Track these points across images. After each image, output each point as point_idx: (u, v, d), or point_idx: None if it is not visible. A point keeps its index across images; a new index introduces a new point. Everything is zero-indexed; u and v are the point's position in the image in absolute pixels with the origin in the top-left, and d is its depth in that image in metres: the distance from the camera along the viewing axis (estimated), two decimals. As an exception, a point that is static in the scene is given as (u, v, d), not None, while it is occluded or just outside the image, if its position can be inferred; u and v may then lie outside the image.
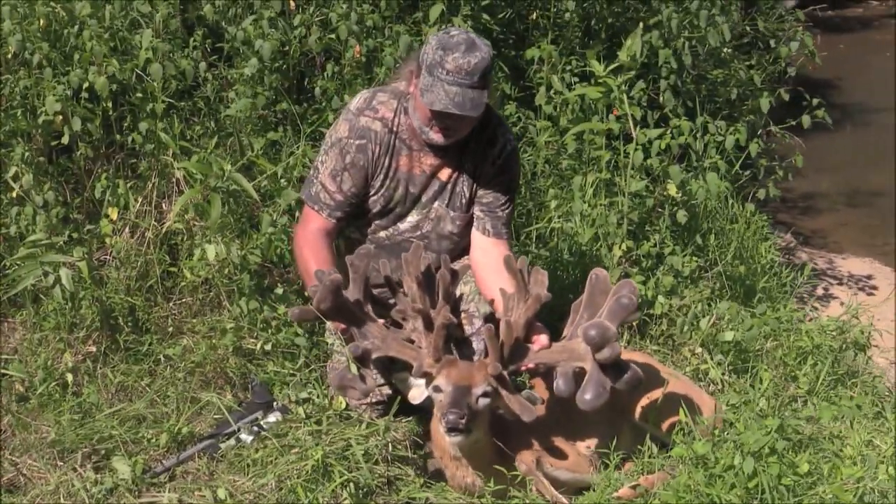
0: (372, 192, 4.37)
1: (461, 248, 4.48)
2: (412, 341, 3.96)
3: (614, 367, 3.68)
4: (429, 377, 3.83)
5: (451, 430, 3.65)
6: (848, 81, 11.58)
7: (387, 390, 4.35)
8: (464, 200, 4.41)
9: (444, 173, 4.38)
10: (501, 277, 4.04)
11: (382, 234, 4.44)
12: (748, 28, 7.29)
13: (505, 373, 3.77)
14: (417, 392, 3.91)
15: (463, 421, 3.62)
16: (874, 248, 7.76)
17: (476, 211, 4.43)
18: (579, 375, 3.73)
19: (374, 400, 4.38)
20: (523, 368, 3.92)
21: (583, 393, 3.66)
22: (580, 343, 3.72)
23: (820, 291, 6.79)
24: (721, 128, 5.75)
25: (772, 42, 6.89)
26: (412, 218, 4.44)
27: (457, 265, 4.35)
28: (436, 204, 4.41)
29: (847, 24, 14.74)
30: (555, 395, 3.82)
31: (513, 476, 3.89)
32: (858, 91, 11.43)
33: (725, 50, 6.89)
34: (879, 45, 14.43)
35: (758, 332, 4.91)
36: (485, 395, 3.73)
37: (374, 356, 3.97)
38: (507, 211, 4.44)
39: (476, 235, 4.45)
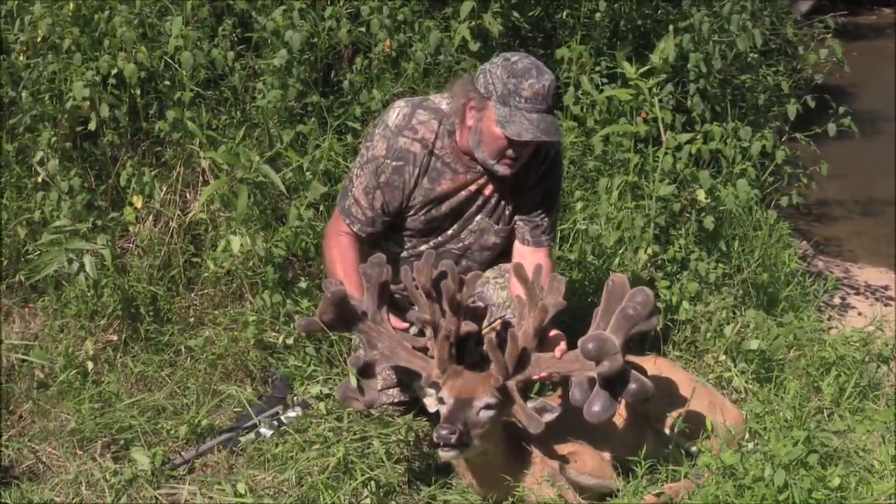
0: (411, 212, 4.30)
1: (499, 252, 4.45)
2: (426, 349, 3.94)
3: (619, 380, 3.61)
4: (437, 387, 3.80)
5: (443, 445, 3.60)
6: (859, 88, 11.54)
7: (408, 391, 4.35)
8: (507, 212, 4.35)
9: (488, 189, 4.30)
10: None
11: (423, 247, 4.34)
12: (769, 34, 7.23)
13: (511, 383, 3.73)
14: (430, 401, 3.88)
15: (454, 437, 3.57)
16: (889, 258, 7.71)
17: (516, 219, 4.37)
18: (594, 384, 3.69)
19: (396, 400, 4.37)
20: (535, 377, 3.89)
21: (590, 406, 3.61)
22: (588, 353, 3.69)
23: (837, 301, 6.75)
24: (747, 133, 5.72)
25: (800, 48, 6.85)
26: (453, 231, 4.37)
27: (490, 272, 4.38)
28: (478, 217, 4.35)
29: (860, 31, 14.66)
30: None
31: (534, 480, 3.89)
32: (869, 99, 11.38)
33: (752, 55, 6.84)
34: (892, 53, 14.40)
35: (783, 342, 4.88)
36: (487, 406, 3.68)
37: (379, 367, 3.95)
38: (546, 218, 4.36)
39: (516, 244, 4.39)
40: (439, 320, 3.83)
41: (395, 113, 4.25)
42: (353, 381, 3.88)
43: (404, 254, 4.37)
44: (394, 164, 4.21)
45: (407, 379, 4.21)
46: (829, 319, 6.24)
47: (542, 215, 4.36)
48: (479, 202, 4.32)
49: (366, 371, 3.90)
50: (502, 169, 4.11)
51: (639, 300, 3.66)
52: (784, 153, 5.76)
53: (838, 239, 8.07)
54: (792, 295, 5.78)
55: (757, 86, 6.87)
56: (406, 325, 4.08)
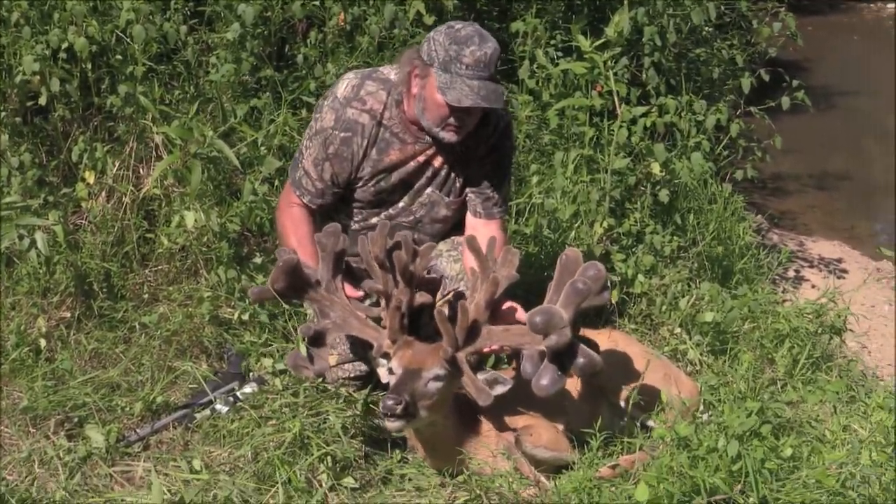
0: (360, 183, 4.29)
1: (452, 225, 4.44)
2: (380, 320, 3.92)
3: (567, 354, 3.60)
4: (388, 357, 3.81)
5: (388, 415, 3.62)
6: (814, 63, 11.64)
7: (364, 366, 4.33)
8: (458, 185, 4.35)
9: (438, 160, 4.30)
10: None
11: (374, 220, 4.33)
12: (724, 8, 7.26)
13: (461, 355, 3.73)
14: (383, 371, 3.89)
15: (399, 407, 3.58)
16: (843, 232, 7.83)
17: (468, 191, 4.37)
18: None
19: (352, 374, 4.36)
20: (486, 350, 3.88)
21: (538, 379, 3.61)
22: (538, 326, 3.69)
23: (791, 274, 6.81)
24: (702, 107, 5.74)
25: (754, 22, 6.89)
26: (403, 203, 4.36)
27: (443, 245, 4.38)
28: (429, 190, 4.34)
29: (815, 7, 14.77)
30: None
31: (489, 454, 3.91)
32: (823, 73, 11.51)
33: (707, 29, 6.87)
34: (846, 27, 14.53)
35: (737, 314, 4.91)
36: (436, 378, 3.69)
37: (330, 336, 3.95)
38: (497, 191, 4.35)
39: (468, 217, 4.39)
40: (392, 290, 3.83)
41: (344, 84, 4.25)
42: (303, 350, 3.90)
43: (355, 226, 4.35)
44: (342, 135, 4.20)
45: (361, 350, 4.21)
46: (783, 292, 6.31)
47: (494, 187, 4.35)
48: (428, 174, 4.32)
49: (316, 340, 3.91)
50: (447, 136, 4.10)
51: (590, 274, 3.65)
52: (739, 126, 5.80)
53: (793, 212, 8.16)
54: (746, 268, 5.83)
55: (712, 59, 6.91)
56: (362, 293, 4.07)
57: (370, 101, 4.20)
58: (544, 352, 3.63)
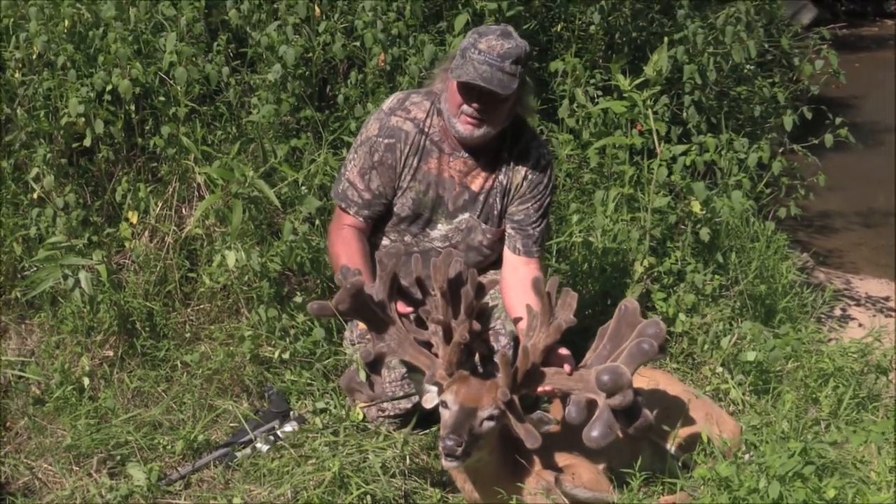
0: (399, 193, 4.35)
1: (490, 262, 4.44)
2: (430, 345, 3.90)
3: (626, 412, 3.61)
4: (440, 387, 3.79)
5: (447, 455, 3.59)
6: (861, 100, 11.55)
7: (404, 404, 4.33)
8: (495, 213, 4.38)
9: (476, 184, 4.35)
10: (528, 297, 3.99)
11: (408, 238, 4.40)
12: (766, 45, 7.25)
13: (515, 398, 3.71)
14: (430, 397, 3.86)
15: (460, 449, 3.55)
16: (890, 269, 7.71)
17: (508, 228, 4.40)
18: (592, 405, 3.68)
19: (391, 413, 4.36)
20: (537, 391, 3.87)
21: (590, 430, 3.61)
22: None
23: (838, 312, 6.73)
24: (744, 145, 5.72)
25: (796, 60, 6.87)
26: (442, 227, 4.40)
27: (485, 278, 4.32)
28: (466, 215, 4.38)
29: (862, 43, 14.72)
30: None
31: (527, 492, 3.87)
32: (870, 110, 11.41)
33: (748, 67, 6.85)
34: (892, 64, 14.42)
35: (780, 353, 4.86)
36: (490, 418, 3.66)
37: (387, 360, 3.93)
38: (538, 228, 4.39)
39: (507, 253, 4.41)
40: (451, 322, 3.82)
41: (391, 98, 4.41)
42: (363, 375, 3.86)
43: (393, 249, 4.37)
44: (386, 141, 4.30)
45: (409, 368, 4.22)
46: (829, 331, 6.23)
47: (535, 225, 4.39)
48: (466, 197, 4.37)
49: (375, 365, 3.88)
50: (462, 128, 4.18)
51: (652, 332, 3.66)
52: (781, 164, 5.76)
53: (839, 250, 8.07)
54: (790, 306, 5.77)
55: (753, 97, 6.88)
56: (410, 309, 4.04)
57: (414, 110, 4.31)
58: (592, 400, 3.64)
